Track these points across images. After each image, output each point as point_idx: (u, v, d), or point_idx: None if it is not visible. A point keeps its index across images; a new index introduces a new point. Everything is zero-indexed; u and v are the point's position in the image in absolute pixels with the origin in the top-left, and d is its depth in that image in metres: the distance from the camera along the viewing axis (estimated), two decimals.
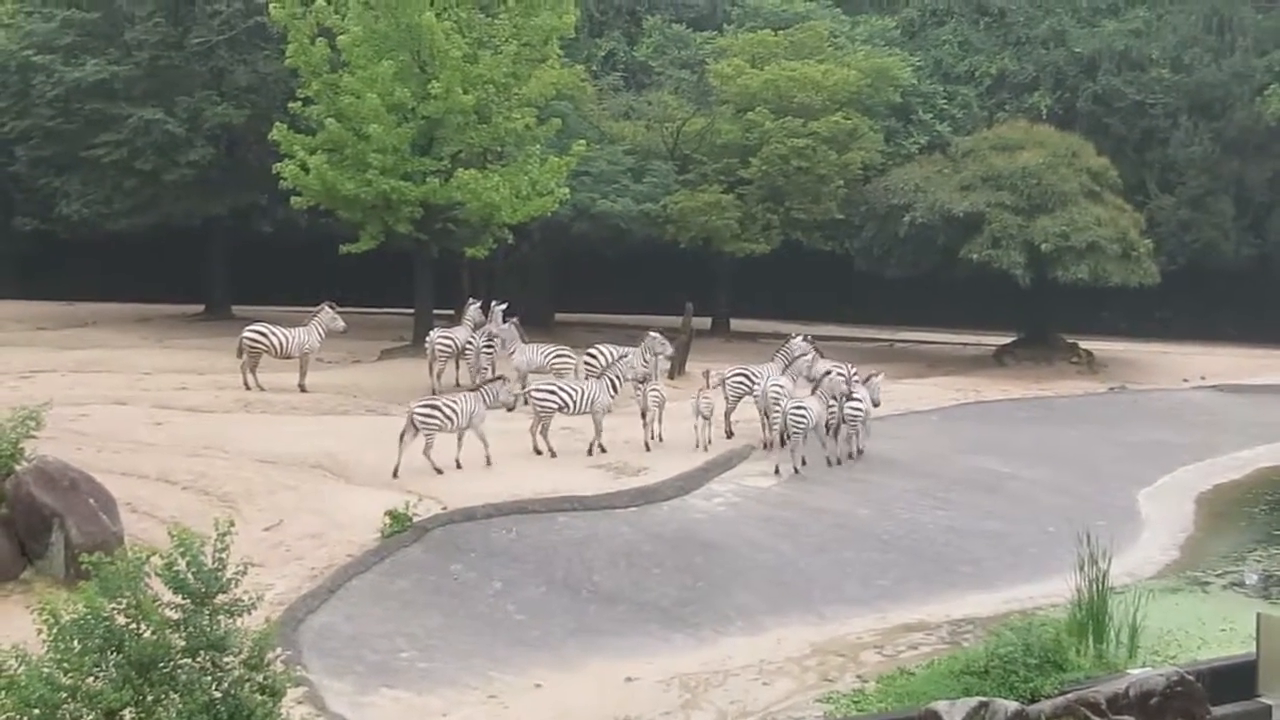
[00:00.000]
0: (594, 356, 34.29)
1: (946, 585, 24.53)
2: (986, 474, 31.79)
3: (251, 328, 35.53)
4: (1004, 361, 48.78)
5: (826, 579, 24.14)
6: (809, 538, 25.87)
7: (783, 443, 29.37)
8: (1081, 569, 20.27)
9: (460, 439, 27.78)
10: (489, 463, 27.56)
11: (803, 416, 29.18)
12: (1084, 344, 49.69)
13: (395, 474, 26.53)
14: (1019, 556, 26.40)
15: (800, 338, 34.48)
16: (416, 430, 27.26)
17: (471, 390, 29.37)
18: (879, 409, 32.19)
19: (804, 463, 29.42)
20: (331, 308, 36.34)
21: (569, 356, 35.32)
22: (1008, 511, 29.25)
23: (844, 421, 30.74)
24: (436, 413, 27.53)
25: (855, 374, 31.78)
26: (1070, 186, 46.88)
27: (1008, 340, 50.65)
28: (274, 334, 35.21)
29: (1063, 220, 45.78)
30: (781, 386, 30.72)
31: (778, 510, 27.03)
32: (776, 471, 28.93)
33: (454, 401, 28.24)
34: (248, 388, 34.44)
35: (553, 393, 29.52)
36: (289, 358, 35.30)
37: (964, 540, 26.92)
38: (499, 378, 30.50)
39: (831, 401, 30.22)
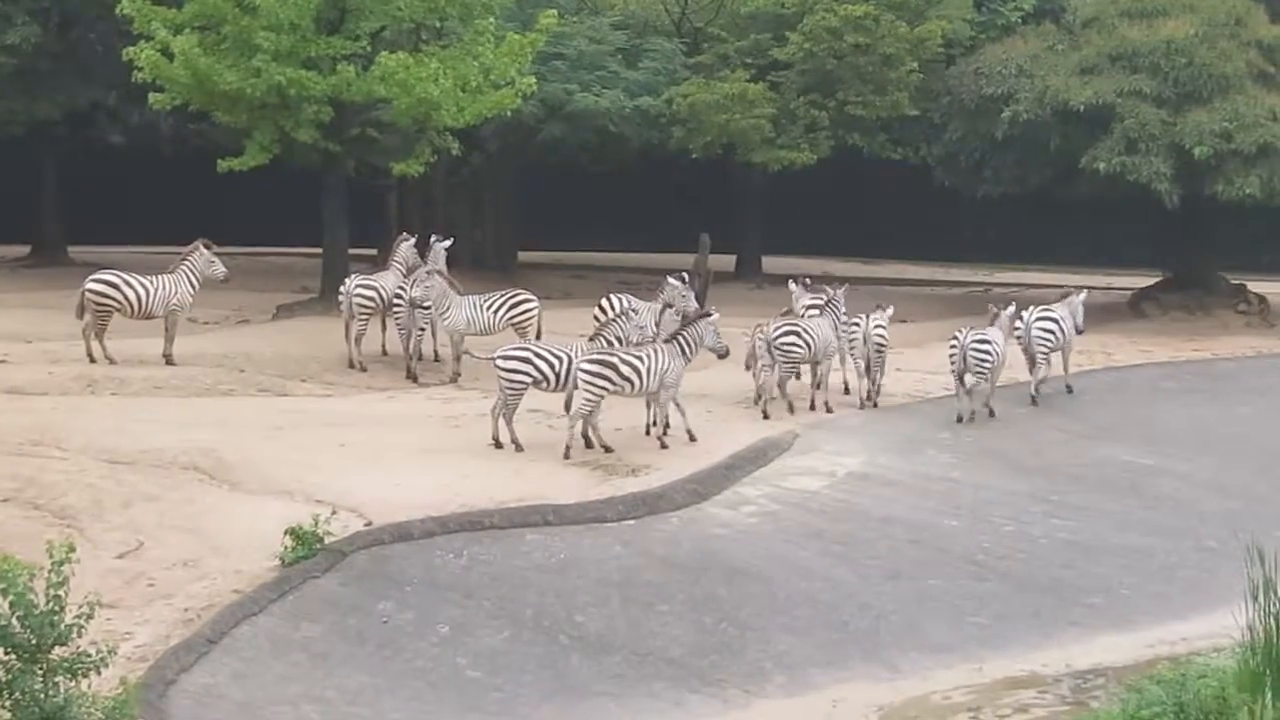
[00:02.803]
0: (602, 310, 34.28)
1: (1067, 623, 24.56)
2: (1122, 468, 31.80)
3: (97, 277, 35.48)
4: (1144, 311, 48.74)
5: (900, 617, 24.14)
6: (875, 560, 25.87)
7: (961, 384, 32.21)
8: (1256, 599, 20.23)
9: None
10: (692, 437, 29.06)
11: (988, 352, 31.25)
12: (1254, 286, 49.65)
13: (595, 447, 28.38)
14: (1168, 582, 26.41)
15: (842, 289, 34.82)
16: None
17: (668, 340, 29.14)
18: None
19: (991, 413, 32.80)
20: (207, 248, 36.26)
21: (532, 303, 35.23)
22: (1152, 520, 29.24)
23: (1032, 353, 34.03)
24: (610, 372, 27.71)
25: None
26: (1234, 67, 46.65)
27: (1149, 282, 50.61)
28: (128, 285, 35.13)
29: (1224, 114, 45.52)
30: (885, 328, 32.37)
31: (831, 522, 27.02)
32: (992, 413, 32.48)
33: (637, 357, 28.22)
34: (93, 360, 34.47)
35: (526, 361, 28.90)
36: (150, 317, 35.25)
37: (1091, 560, 26.93)
38: (704, 314, 30.09)
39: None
